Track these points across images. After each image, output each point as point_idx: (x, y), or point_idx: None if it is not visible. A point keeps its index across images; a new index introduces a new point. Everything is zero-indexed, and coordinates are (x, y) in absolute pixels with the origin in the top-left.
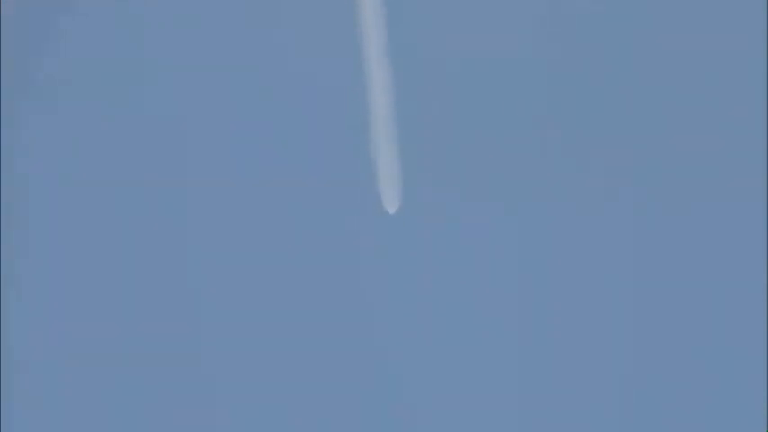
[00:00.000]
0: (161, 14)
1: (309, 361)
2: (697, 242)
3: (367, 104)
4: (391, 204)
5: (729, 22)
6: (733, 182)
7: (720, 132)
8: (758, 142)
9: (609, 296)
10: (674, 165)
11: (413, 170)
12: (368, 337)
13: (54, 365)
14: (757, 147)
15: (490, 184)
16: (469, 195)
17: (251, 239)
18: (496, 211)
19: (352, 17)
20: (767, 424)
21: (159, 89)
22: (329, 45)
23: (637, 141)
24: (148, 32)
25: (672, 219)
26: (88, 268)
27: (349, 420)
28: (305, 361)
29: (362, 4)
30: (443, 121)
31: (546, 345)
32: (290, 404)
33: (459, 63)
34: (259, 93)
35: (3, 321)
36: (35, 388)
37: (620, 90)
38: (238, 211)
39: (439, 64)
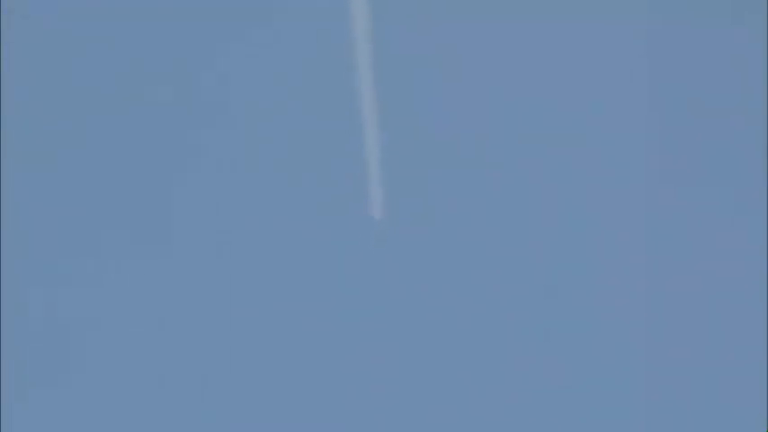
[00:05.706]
0: (153, 18)
1: (299, 365)
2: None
3: (358, 116)
4: (377, 210)
5: (729, 21)
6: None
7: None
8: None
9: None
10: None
11: (400, 176)
12: (356, 342)
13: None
14: (756, 140)
15: (478, 190)
16: (457, 204)
17: (235, 245)
18: (485, 217)
19: (344, 23)
20: (767, 424)
21: (150, 93)
22: (320, 53)
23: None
24: (143, 37)
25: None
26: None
27: (339, 427)
28: (294, 365)
29: (353, 21)
30: (432, 129)
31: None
32: (279, 412)
33: (450, 71)
34: (247, 97)
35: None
36: (34, 386)
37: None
38: (225, 213)
39: (429, 77)
